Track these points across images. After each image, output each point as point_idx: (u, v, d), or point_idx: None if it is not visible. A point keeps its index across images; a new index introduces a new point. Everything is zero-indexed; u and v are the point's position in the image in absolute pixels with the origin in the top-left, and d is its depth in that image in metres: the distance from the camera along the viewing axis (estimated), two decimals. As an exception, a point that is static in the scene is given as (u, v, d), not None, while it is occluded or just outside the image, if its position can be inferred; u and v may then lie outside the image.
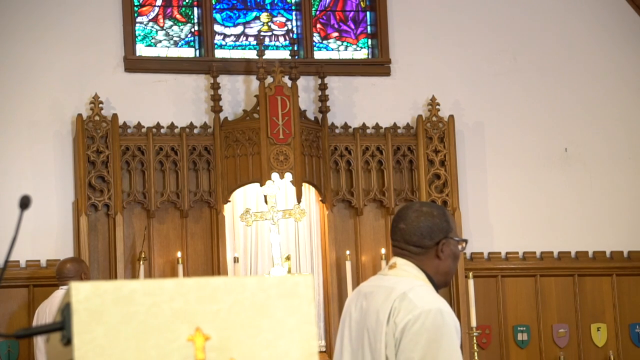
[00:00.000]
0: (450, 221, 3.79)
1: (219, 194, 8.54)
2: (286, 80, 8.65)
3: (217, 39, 9.10)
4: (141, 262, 8.24)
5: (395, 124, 9.01)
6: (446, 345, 3.53)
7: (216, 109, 8.68)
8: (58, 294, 7.50)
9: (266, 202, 8.16)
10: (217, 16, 9.15)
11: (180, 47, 9.05)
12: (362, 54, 9.36)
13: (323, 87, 8.92)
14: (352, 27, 9.37)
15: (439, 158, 8.95)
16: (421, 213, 3.76)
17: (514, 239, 9.19)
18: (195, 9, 9.12)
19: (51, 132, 8.54)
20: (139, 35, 8.95)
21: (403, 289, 3.63)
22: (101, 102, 8.51)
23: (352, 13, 9.39)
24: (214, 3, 9.14)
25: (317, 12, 9.32)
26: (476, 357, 8.40)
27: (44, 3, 8.69)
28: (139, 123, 8.58)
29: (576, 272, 9.22)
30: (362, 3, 9.40)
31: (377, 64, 9.22)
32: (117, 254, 8.29)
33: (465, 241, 3.86)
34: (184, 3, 9.13)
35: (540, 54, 9.46)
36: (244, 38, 9.19)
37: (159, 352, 2.40)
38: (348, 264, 8.58)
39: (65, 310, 2.40)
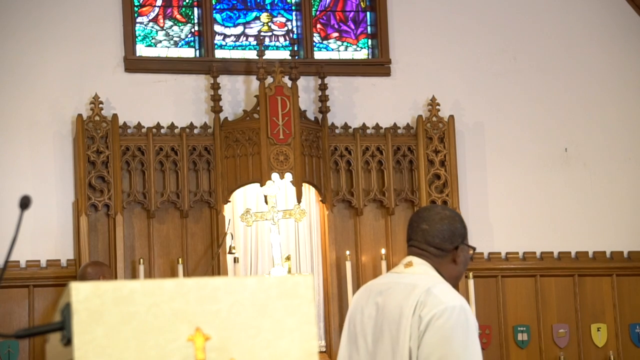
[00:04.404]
0: (465, 227, 3.86)
1: (219, 194, 8.54)
2: (286, 80, 8.65)
3: (217, 39, 9.10)
4: (234, 256, 8.30)
5: (395, 124, 9.01)
6: (470, 341, 3.61)
7: (216, 109, 8.68)
8: None
9: (266, 202, 8.16)
10: (217, 16, 9.15)
11: (180, 47, 9.05)
12: (362, 54, 9.35)
13: (323, 87, 8.92)
14: (352, 27, 9.37)
15: (439, 158, 8.95)
16: (444, 216, 3.82)
17: (514, 239, 9.19)
18: (195, 9, 9.12)
19: (51, 132, 8.54)
20: (139, 35, 8.95)
21: (427, 284, 3.68)
22: (101, 102, 8.51)
23: (352, 13, 9.39)
24: (214, 3, 9.14)
25: (317, 13, 9.32)
26: None
27: (43, 3, 8.69)
28: (139, 123, 8.59)
29: (576, 272, 9.22)
30: (362, 3, 9.40)
31: (377, 64, 9.22)
32: (117, 254, 8.29)
33: (474, 249, 3.93)
34: (184, 3, 9.13)
35: (540, 54, 9.45)
36: (244, 38, 9.19)
37: (159, 352, 2.40)
38: (348, 264, 8.58)
39: (65, 310, 2.40)
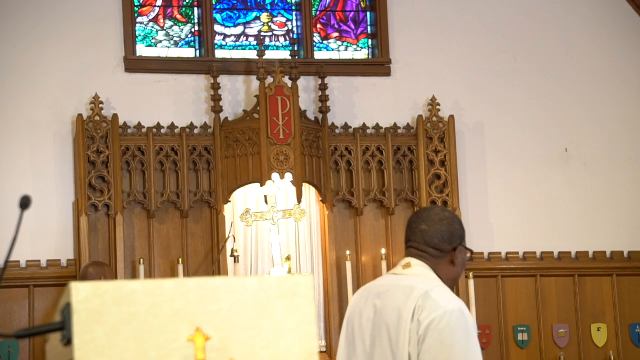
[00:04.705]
0: (464, 229, 3.87)
1: (219, 194, 8.54)
2: (286, 80, 8.65)
3: (217, 39, 9.10)
4: (234, 258, 8.32)
5: (395, 124, 9.02)
6: (471, 345, 3.61)
7: (216, 109, 8.68)
8: None
9: (266, 202, 8.16)
10: (217, 16, 9.15)
11: (180, 47, 9.04)
12: (362, 54, 9.35)
13: (323, 87, 8.92)
14: (352, 27, 9.37)
15: (439, 158, 8.95)
16: (443, 217, 3.83)
17: (514, 239, 9.19)
18: (195, 9, 9.12)
19: (51, 132, 8.54)
20: (139, 35, 8.95)
21: (425, 287, 3.67)
22: (101, 102, 8.51)
23: (352, 13, 9.39)
24: (214, 3, 9.14)
25: (317, 12, 9.32)
26: None
27: (44, 3, 8.69)
28: (139, 123, 8.59)
29: (576, 272, 9.22)
30: (362, 3, 9.40)
31: (377, 64, 9.22)
32: (117, 254, 8.29)
33: (472, 251, 3.93)
34: (184, 3, 9.13)
35: (540, 54, 9.45)
36: (244, 38, 9.19)
37: (159, 352, 2.40)
38: (348, 264, 8.58)
39: (65, 310, 2.40)
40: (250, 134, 8.57)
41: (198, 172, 8.63)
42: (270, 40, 9.20)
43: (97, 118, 8.46)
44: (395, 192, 8.89)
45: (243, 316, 2.46)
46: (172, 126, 8.63)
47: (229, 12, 9.20)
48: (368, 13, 9.38)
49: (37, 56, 8.60)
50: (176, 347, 2.41)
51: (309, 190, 8.76)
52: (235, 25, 9.20)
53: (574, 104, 9.46)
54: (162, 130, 8.60)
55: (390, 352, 3.66)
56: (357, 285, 8.49)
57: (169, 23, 9.06)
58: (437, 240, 3.78)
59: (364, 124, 8.97)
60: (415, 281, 3.72)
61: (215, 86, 8.69)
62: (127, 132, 8.53)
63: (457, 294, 8.61)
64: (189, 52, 9.05)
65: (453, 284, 3.85)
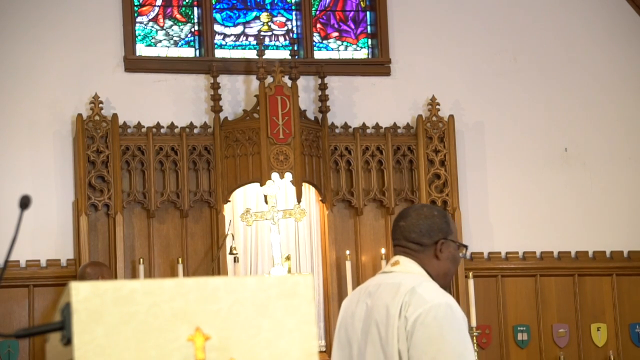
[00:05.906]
0: (450, 224, 3.84)
1: (219, 194, 8.55)
2: (286, 80, 8.65)
3: (217, 39, 9.10)
4: (234, 256, 8.33)
5: (395, 123, 9.02)
6: (459, 338, 3.60)
7: (216, 108, 8.69)
8: None
9: (266, 202, 8.16)
10: (217, 16, 9.15)
11: (180, 47, 9.04)
12: (362, 53, 9.35)
13: (323, 87, 8.92)
14: (352, 27, 9.37)
15: (439, 158, 8.95)
16: (422, 212, 3.84)
17: (514, 239, 9.19)
18: (195, 9, 9.12)
19: (51, 132, 8.54)
20: (139, 35, 8.95)
21: (411, 284, 3.67)
22: (101, 102, 8.51)
23: (352, 13, 9.39)
24: (214, 3, 9.14)
25: (317, 12, 9.32)
26: (476, 357, 8.40)
27: (43, 3, 8.69)
28: (139, 123, 8.59)
29: (576, 272, 9.22)
30: (362, 3, 9.40)
31: (377, 64, 9.22)
32: (117, 254, 8.29)
33: (466, 247, 3.90)
34: (184, 3, 9.13)
35: (540, 54, 9.45)
36: (244, 38, 9.19)
37: (159, 352, 2.40)
38: (348, 264, 8.58)
39: (65, 310, 2.39)
40: (250, 133, 8.57)
41: (198, 172, 8.63)
42: (270, 40, 9.20)
43: (97, 118, 8.46)
44: (395, 192, 8.89)
45: (243, 316, 2.46)
46: (172, 126, 8.63)
47: (229, 12, 9.20)
48: (368, 13, 9.38)
49: (37, 56, 8.60)
50: (176, 347, 2.41)
51: (309, 190, 8.76)
52: (235, 25, 9.20)
53: (574, 103, 9.46)
54: (162, 130, 8.60)
55: (382, 350, 3.66)
56: (357, 285, 8.47)
57: (168, 23, 9.06)
58: (415, 234, 3.79)
59: (363, 123, 8.97)
60: (402, 278, 3.72)
61: (215, 86, 8.69)
62: (127, 132, 8.53)
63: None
64: (188, 52, 9.05)
65: (445, 281, 3.83)
